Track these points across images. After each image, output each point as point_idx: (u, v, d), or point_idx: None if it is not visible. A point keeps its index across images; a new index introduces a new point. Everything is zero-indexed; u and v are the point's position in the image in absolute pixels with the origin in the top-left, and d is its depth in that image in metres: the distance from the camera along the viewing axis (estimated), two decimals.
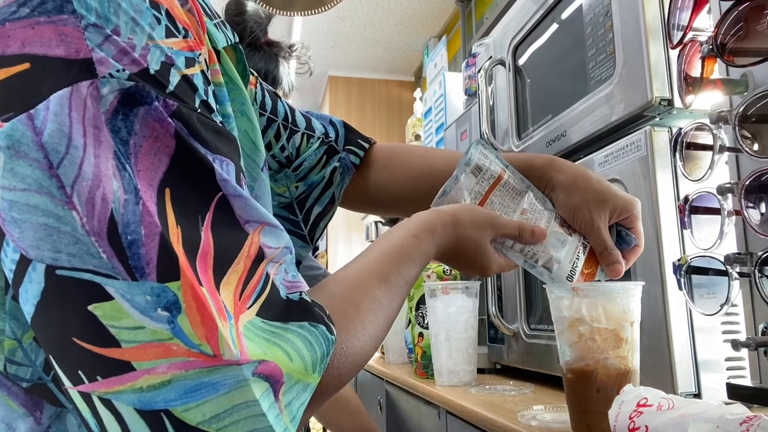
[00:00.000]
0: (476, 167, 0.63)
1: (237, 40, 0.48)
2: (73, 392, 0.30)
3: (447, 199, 0.63)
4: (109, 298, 0.29)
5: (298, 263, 0.72)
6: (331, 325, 0.38)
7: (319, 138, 0.73)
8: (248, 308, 0.33)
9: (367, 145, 0.76)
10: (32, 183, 0.30)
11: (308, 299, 0.38)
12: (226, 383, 0.30)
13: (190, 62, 0.36)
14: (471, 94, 1.63)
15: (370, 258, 0.49)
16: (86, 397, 0.30)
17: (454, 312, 1.05)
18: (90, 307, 0.29)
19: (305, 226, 0.74)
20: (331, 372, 0.38)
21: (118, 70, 0.32)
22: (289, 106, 0.73)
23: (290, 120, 0.72)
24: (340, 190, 0.75)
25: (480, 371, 1.16)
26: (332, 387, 0.39)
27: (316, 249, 4.04)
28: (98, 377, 0.29)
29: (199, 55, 0.37)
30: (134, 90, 0.32)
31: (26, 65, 0.31)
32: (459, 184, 0.63)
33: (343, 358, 0.39)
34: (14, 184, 0.30)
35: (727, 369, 0.68)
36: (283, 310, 0.35)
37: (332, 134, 0.75)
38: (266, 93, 0.69)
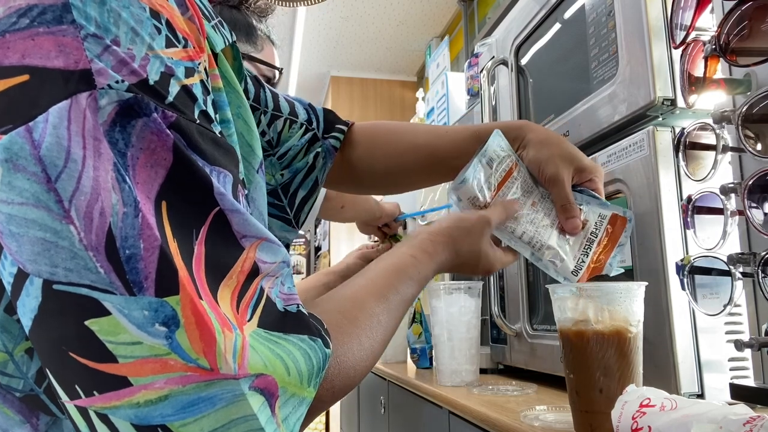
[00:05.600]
0: (490, 159, 0.64)
1: (234, 39, 0.48)
2: (70, 406, 0.30)
3: (465, 188, 0.64)
4: (106, 313, 0.29)
5: (287, 246, 0.74)
6: (328, 339, 0.38)
7: (302, 125, 0.75)
8: (248, 320, 0.33)
9: (345, 128, 0.78)
10: (30, 197, 0.29)
11: (305, 311, 0.38)
12: (224, 397, 0.30)
13: (189, 72, 0.36)
14: (473, 94, 1.63)
15: (369, 276, 0.50)
16: (83, 411, 0.30)
17: (456, 312, 1.05)
18: (87, 323, 0.29)
19: (290, 210, 0.76)
20: (325, 385, 0.38)
21: (117, 81, 0.31)
22: (273, 92, 0.74)
23: (272, 106, 0.73)
24: (323, 173, 0.77)
25: (482, 371, 1.16)
26: (325, 400, 0.39)
27: (318, 249, 4.04)
28: (95, 392, 0.29)
29: (199, 64, 0.37)
30: (133, 101, 0.32)
31: (25, 77, 0.30)
32: (475, 174, 0.64)
33: (336, 371, 0.40)
34: (12, 197, 0.29)
35: (730, 369, 0.67)
36: (282, 321, 0.35)
37: (314, 121, 0.77)
38: (249, 80, 0.71)
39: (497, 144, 0.66)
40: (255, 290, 0.34)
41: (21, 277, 0.30)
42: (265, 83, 0.75)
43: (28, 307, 0.30)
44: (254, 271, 0.35)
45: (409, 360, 1.48)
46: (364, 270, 0.51)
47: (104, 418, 0.29)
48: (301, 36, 3.30)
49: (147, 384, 0.29)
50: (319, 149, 0.76)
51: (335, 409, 3.14)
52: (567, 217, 0.65)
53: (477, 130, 0.71)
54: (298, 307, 0.37)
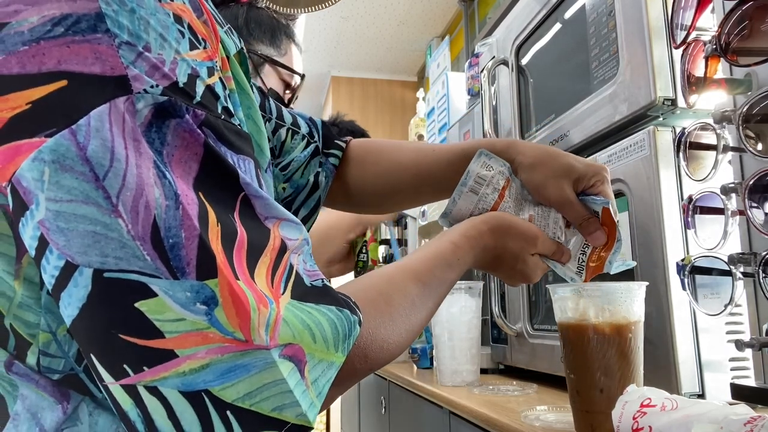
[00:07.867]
0: (476, 182, 0.62)
1: (243, 45, 0.50)
2: (115, 387, 0.33)
3: (447, 221, 0.64)
4: (153, 295, 0.32)
5: None
6: (356, 308, 0.41)
7: (304, 137, 0.76)
8: (282, 293, 0.36)
9: (344, 145, 0.78)
10: (78, 194, 0.32)
11: (330, 286, 0.41)
12: (257, 365, 0.33)
13: (210, 72, 0.39)
14: (474, 94, 1.63)
15: (407, 261, 0.53)
16: (129, 389, 0.32)
17: (457, 312, 1.05)
18: (137, 304, 0.32)
19: None
20: (357, 353, 0.41)
21: (152, 86, 0.34)
22: (275, 103, 0.75)
23: (276, 114, 0.74)
24: (325, 193, 0.77)
25: (483, 371, 1.16)
26: (360, 369, 0.42)
27: None
28: (145, 367, 0.32)
29: (216, 62, 0.40)
30: (167, 104, 0.34)
31: (63, 82, 0.33)
32: (458, 206, 0.63)
33: (369, 341, 0.42)
34: (60, 195, 0.32)
35: (730, 369, 0.67)
36: (311, 294, 0.38)
37: (315, 134, 0.77)
38: (254, 89, 0.71)
39: (481, 165, 0.63)
40: (286, 265, 0.38)
41: (69, 269, 0.32)
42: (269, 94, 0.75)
43: (75, 296, 0.32)
44: (283, 248, 0.38)
45: (409, 360, 1.48)
46: (405, 257, 0.54)
47: (153, 390, 0.32)
48: (302, 36, 3.30)
49: (191, 355, 0.32)
50: (320, 169, 0.76)
51: (336, 409, 3.14)
52: (588, 232, 0.63)
53: (464, 148, 0.68)
54: (323, 281, 0.40)
